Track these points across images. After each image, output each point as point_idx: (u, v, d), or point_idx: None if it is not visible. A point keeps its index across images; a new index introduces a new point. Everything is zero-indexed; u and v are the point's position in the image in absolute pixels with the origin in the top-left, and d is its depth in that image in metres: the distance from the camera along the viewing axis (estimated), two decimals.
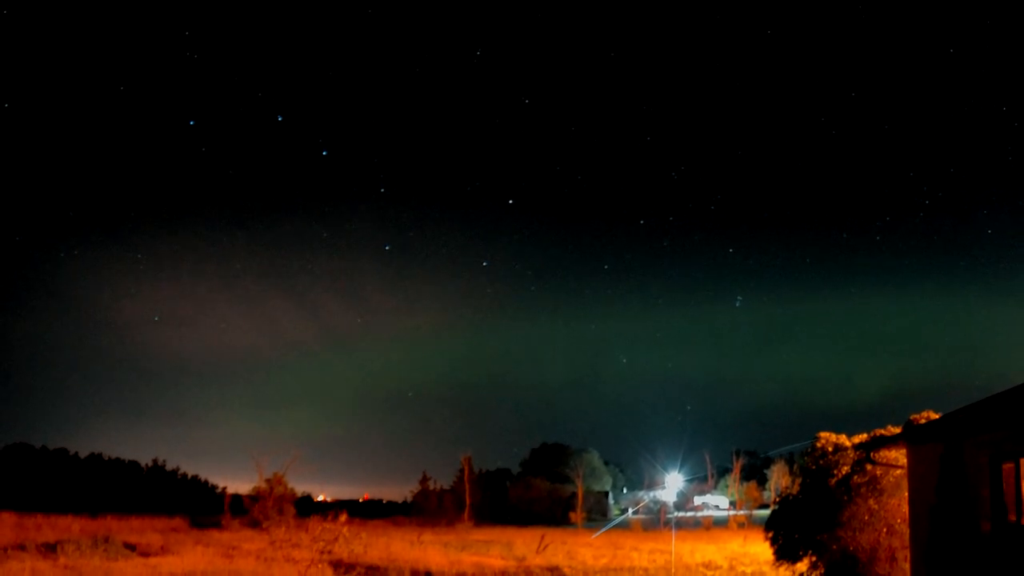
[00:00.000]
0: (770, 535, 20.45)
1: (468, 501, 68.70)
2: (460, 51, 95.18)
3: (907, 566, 16.09)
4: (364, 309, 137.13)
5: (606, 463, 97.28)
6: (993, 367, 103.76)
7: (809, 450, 20.10)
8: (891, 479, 17.83)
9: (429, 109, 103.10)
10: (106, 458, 75.14)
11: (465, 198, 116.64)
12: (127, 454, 78.24)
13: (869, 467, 17.85)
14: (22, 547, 29.70)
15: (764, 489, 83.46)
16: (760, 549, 27.22)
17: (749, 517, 65.70)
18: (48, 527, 38.86)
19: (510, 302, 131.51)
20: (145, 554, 31.30)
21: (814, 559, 19.22)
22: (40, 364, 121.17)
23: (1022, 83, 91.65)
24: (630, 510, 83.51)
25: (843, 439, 19.50)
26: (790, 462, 73.52)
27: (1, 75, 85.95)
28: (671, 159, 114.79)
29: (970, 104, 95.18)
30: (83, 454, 75.04)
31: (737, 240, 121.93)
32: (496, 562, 31.35)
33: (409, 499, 75.38)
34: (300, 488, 62.17)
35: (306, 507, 54.44)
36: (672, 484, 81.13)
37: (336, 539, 25.19)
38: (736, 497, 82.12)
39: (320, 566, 25.19)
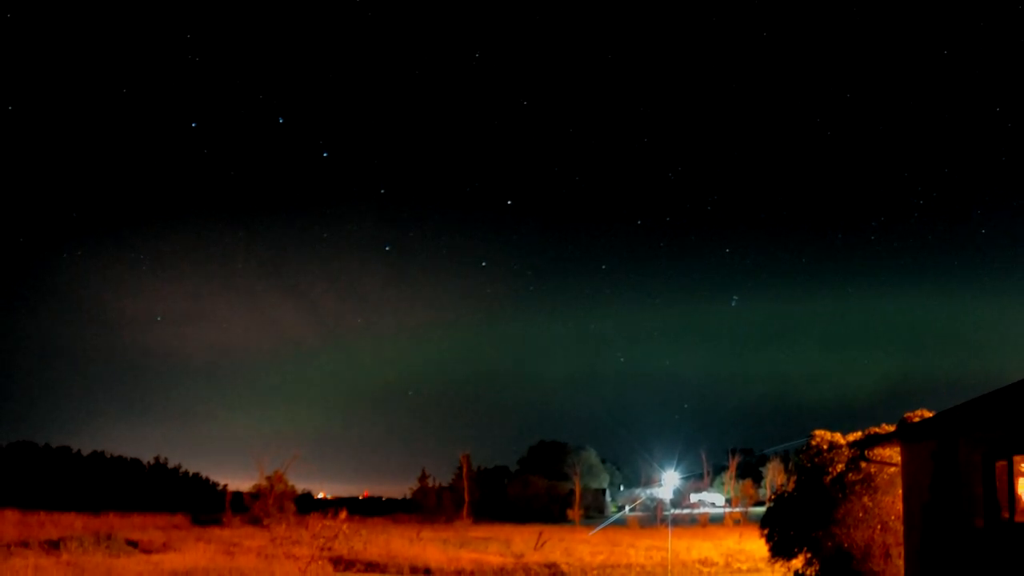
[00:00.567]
0: (766, 532, 20.64)
1: (467, 498, 69.03)
2: (459, 53, 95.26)
3: (901, 563, 16.31)
4: (364, 309, 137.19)
5: (603, 461, 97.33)
6: (986, 366, 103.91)
7: (804, 448, 20.28)
8: (885, 477, 18.04)
9: (428, 110, 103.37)
10: (108, 456, 75.05)
11: (464, 198, 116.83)
12: (129, 452, 77.86)
13: (863, 465, 18.06)
14: (25, 544, 29.94)
15: (760, 487, 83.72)
16: (756, 546, 27.42)
17: (745, 514, 66.05)
18: (51, 524, 39.10)
19: (509, 301, 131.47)
20: (147, 551, 31.54)
21: (809, 556, 19.43)
22: (43, 363, 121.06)
23: (1016, 84, 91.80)
24: (627, 507, 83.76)
25: (838, 437, 19.69)
26: (785, 460, 73.65)
27: (4, 77, 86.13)
28: (668, 160, 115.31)
29: (964, 105, 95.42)
30: (85, 452, 74.95)
31: (733, 240, 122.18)
32: (494, 559, 31.61)
33: (408, 496, 75.67)
34: (300, 486, 62.56)
35: (306, 504, 54.56)
36: (669, 482, 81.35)
37: (336, 536, 25.26)
38: (732, 494, 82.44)
39: (320, 563, 25.37)
